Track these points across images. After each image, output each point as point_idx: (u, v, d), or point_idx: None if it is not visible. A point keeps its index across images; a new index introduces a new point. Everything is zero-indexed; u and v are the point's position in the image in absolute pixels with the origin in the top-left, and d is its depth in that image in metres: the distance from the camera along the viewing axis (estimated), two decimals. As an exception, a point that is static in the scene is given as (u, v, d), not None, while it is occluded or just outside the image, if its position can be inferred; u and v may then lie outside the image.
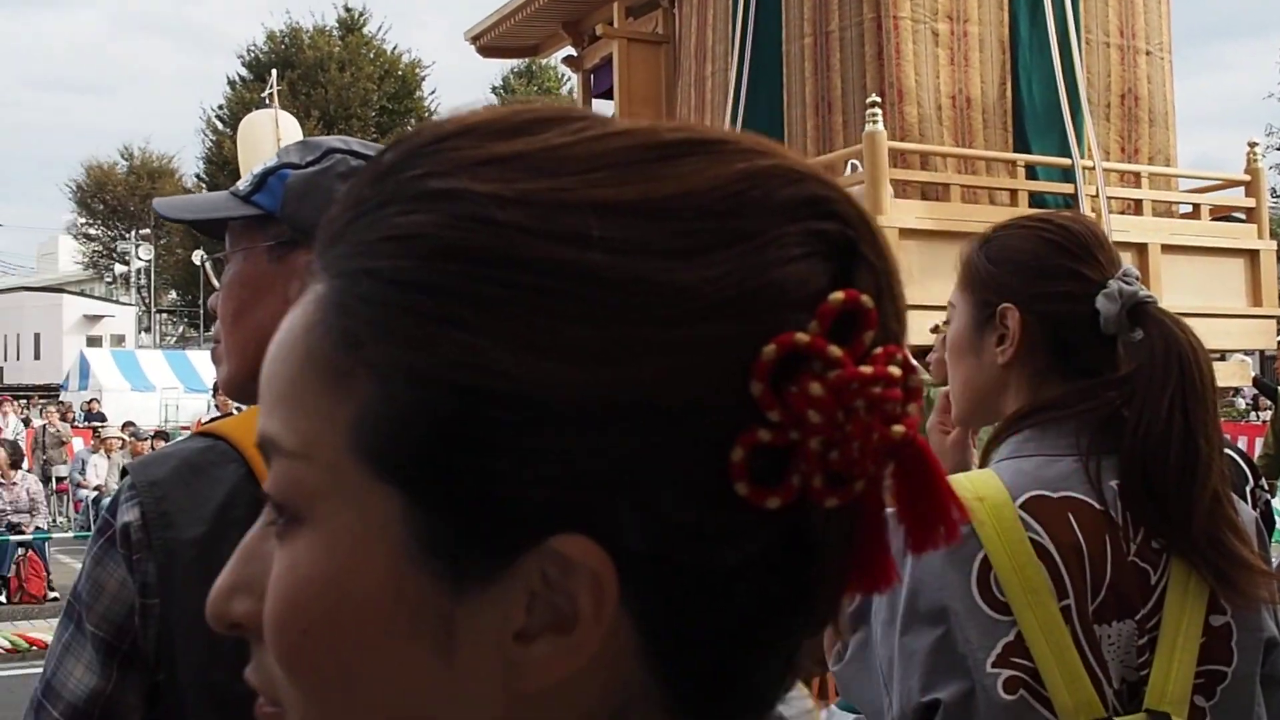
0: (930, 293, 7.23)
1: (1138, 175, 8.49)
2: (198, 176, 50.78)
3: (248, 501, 1.44)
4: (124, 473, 1.55)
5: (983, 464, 1.86)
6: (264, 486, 0.62)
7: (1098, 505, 1.69)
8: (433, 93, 52.04)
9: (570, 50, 11.18)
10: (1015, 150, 8.20)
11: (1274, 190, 33.14)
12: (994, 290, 1.84)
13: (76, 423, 26.65)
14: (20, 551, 14.65)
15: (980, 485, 1.71)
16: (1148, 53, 8.81)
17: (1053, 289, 1.79)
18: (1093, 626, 1.67)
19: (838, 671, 1.88)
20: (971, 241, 1.95)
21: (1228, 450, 2.19)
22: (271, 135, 12.46)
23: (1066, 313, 1.78)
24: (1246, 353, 9.39)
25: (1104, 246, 1.84)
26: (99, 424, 24.63)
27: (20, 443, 21.13)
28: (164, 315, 60.34)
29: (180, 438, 1.71)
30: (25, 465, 18.54)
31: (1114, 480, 1.71)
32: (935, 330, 6.56)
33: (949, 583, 1.66)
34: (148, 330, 58.96)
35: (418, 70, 50.10)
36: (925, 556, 1.58)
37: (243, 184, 1.72)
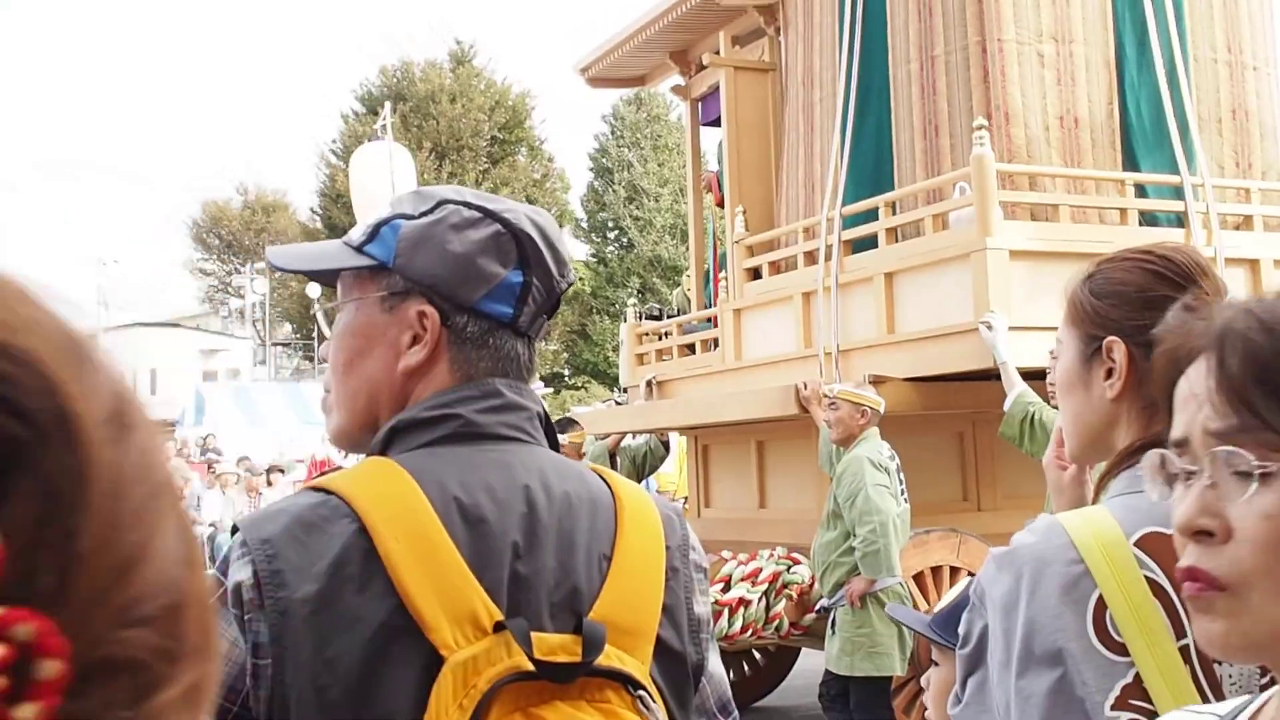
0: (1042, 313, 7.31)
1: (1248, 191, 8.45)
2: (312, 210, 51.53)
3: (360, 558, 1.47)
4: (234, 529, 1.55)
5: (1096, 500, 1.85)
6: None
7: None
8: (543, 122, 52.53)
9: (678, 79, 11.31)
10: (1124, 169, 8.19)
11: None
12: (1099, 324, 1.84)
13: (192, 458, 26.94)
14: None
15: (1094, 523, 1.70)
16: (1255, 68, 8.78)
17: (1158, 320, 1.73)
18: (1213, 666, 1.64)
19: (956, 715, 1.85)
20: (1075, 276, 1.95)
21: None
22: (385, 167, 12.71)
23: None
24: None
25: (1208, 275, 1.84)
26: (214, 459, 24.87)
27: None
28: (279, 349, 61.15)
29: (290, 493, 1.74)
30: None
31: None
32: (1055, 354, 6.59)
33: (1065, 624, 1.64)
34: (263, 364, 59.76)
35: (527, 101, 50.51)
36: (1040, 596, 1.65)
37: (356, 233, 1.74)
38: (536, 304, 1.70)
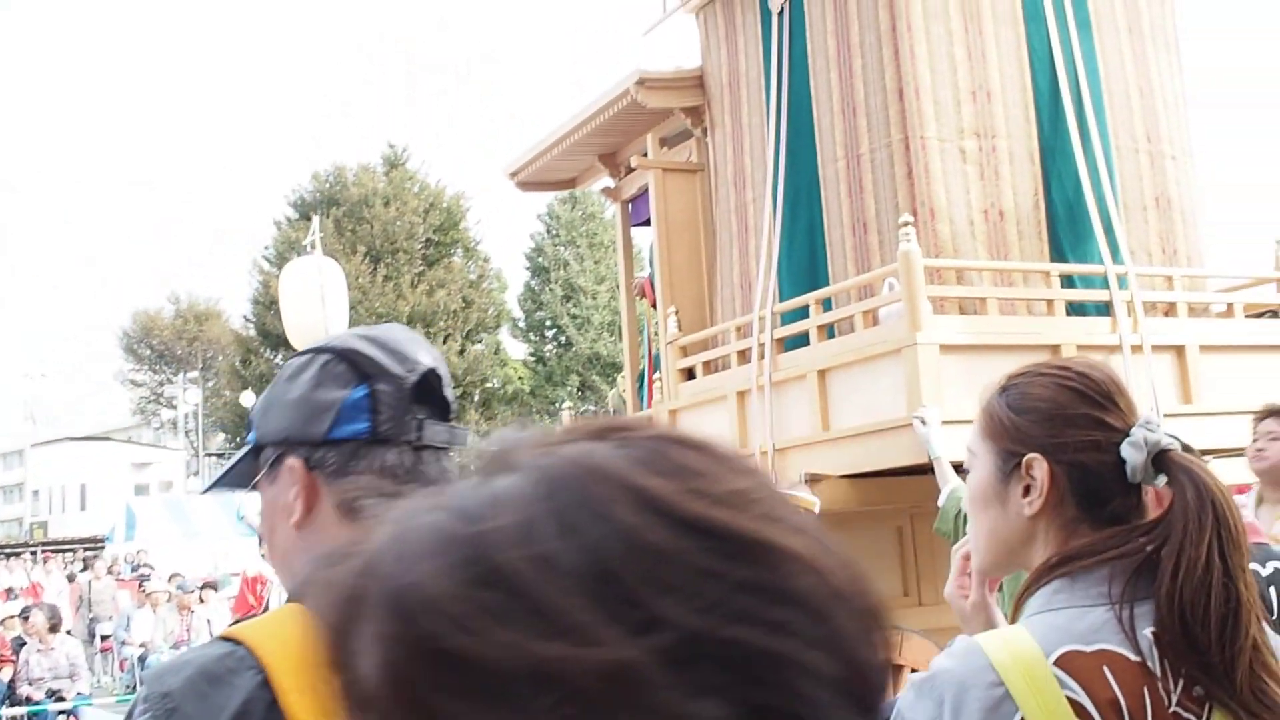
0: (973, 408, 7.32)
1: (1170, 278, 8.55)
2: (245, 318, 51.26)
3: (262, 711, 1.46)
4: (142, 681, 1.56)
5: (1014, 619, 1.84)
6: None
7: (1134, 656, 1.67)
8: (478, 223, 52.56)
9: (608, 181, 11.37)
10: (1052, 259, 8.27)
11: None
12: (1018, 440, 1.84)
13: (122, 575, 26.47)
14: (61, 719, 14.61)
15: (1013, 643, 1.70)
16: (1173, 157, 8.92)
17: (1079, 438, 1.79)
18: None
19: None
20: (988, 389, 1.96)
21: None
22: (315, 281, 12.67)
23: (1094, 461, 1.79)
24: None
25: (1123, 393, 1.86)
26: (145, 575, 24.45)
27: (64, 601, 21.00)
28: (212, 459, 60.58)
29: (200, 644, 1.73)
30: (68, 626, 18.33)
31: (1149, 628, 1.69)
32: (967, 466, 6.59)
33: None
34: (196, 474, 59.16)
35: (461, 202, 50.59)
36: (964, 717, 1.64)
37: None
38: (393, 408, 1.69)
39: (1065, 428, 1.80)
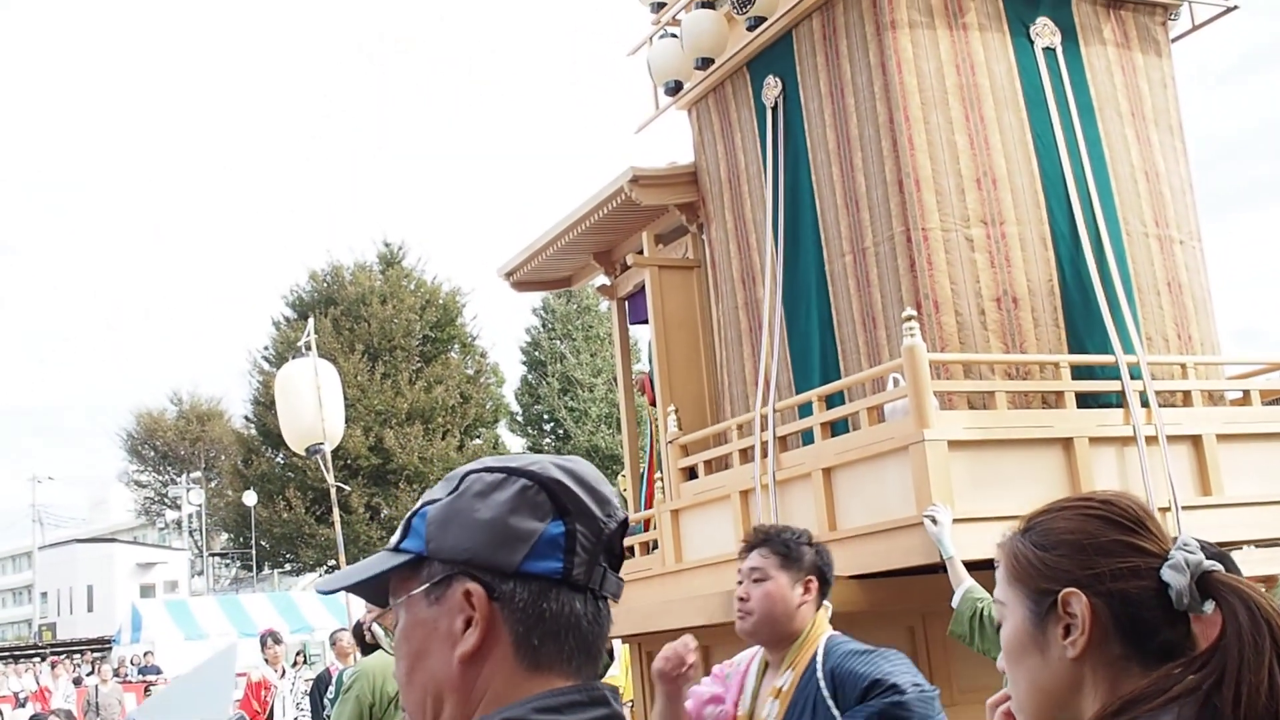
0: (984, 505, 7.13)
1: (1184, 366, 8.38)
2: (246, 418, 51.30)
3: None
4: None
5: None
6: None
7: None
8: (474, 318, 52.81)
9: (603, 279, 11.24)
10: (1069, 345, 8.10)
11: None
12: (1051, 577, 1.73)
13: (129, 678, 26.45)
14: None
15: None
16: (1181, 242, 8.77)
17: (1116, 565, 1.67)
18: None
19: None
20: (1005, 535, 1.86)
21: None
22: (311, 384, 12.54)
23: (1135, 589, 1.65)
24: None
25: (1152, 517, 1.74)
26: (152, 678, 24.41)
27: (71, 706, 20.92)
28: (216, 559, 60.36)
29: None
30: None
31: None
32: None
33: None
34: (200, 574, 59.02)
35: (458, 298, 50.82)
36: None
37: (395, 537, 1.65)
38: (588, 552, 1.57)
39: (1099, 556, 1.68)
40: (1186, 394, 8.31)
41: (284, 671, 16.07)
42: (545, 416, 49.91)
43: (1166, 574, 1.64)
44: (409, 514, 1.63)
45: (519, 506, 1.55)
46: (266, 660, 15.93)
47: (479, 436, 49.85)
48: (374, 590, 1.67)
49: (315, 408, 12.40)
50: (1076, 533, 1.72)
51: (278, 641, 15.05)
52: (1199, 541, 1.70)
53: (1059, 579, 1.71)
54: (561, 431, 48.99)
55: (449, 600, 1.54)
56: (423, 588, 1.56)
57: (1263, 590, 1.63)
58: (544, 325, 50.35)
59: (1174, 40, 9.30)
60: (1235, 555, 8.19)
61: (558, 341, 49.81)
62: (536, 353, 50.17)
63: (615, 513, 1.61)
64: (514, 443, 52.54)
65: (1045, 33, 8.59)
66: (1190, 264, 8.79)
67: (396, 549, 1.61)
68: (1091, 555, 1.69)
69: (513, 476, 1.58)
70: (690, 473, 9.28)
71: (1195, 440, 8.03)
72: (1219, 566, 1.65)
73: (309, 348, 12.88)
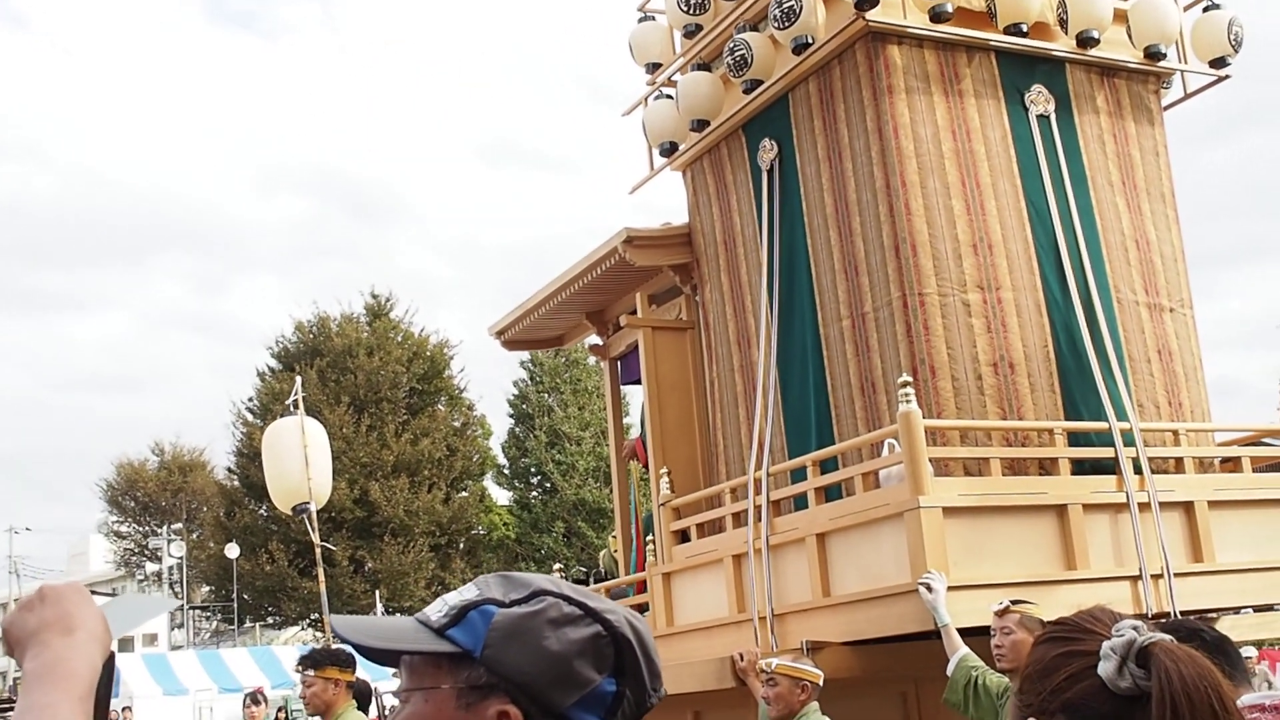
0: (979, 572, 7.13)
1: (1176, 433, 8.39)
2: (229, 469, 51.03)
3: None
4: None
5: None
6: None
7: None
8: (461, 370, 52.61)
9: (595, 338, 11.23)
10: (1065, 410, 8.11)
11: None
12: (1022, 716, 1.75)
13: (111, 733, 26.20)
14: None
15: None
16: (1171, 310, 8.81)
17: (1060, 680, 1.69)
18: None
19: None
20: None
21: None
22: (298, 443, 12.47)
23: (1079, 694, 1.67)
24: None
25: (1101, 620, 1.74)
26: (131, 736, 24.08)
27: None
28: (197, 611, 59.89)
29: None
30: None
31: None
32: (1002, 613, 6.36)
33: None
34: (180, 627, 58.52)
35: (445, 350, 50.69)
36: None
37: (434, 613, 1.58)
38: (626, 718, 1.54)
39: (1045, 679, 1.71)
40: (1179, 460, 8.33)
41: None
42: (532, 470, 49.76)
43: (1100, 667, 1.65)
44: (465, 602, 1.56)
45: (586, 651, 1.52)
46: (248, 720, 15.71)
47: (465, 489, 49.65)
48: (387, 651, 1.60)
49: (302, 466, 12.32)
50: (1031, 664, 1.76)
51: (257, 702, 14.83)
52: (1141, 620, 1.70)
53: (1025, 714, 1.74)
54: (549, 485, 48.85)
55: (481, 712, 1.50)
56: (459, 686, 1.51)
57: (1194, 653, 1.63)
58: (532, 378, 50.28)
59: (1166, 108, 9.37)
60: (1226, 621, 8.22)
61: (545, 395, 49.74)
62: (524, 406, 50.07)
63: (660, 689, 1.60)
64: (500, 495, 52.40)
65: (1040, 100, 8.64)
66: (1180, 331, 8.82)
67: (442, 633, 1.54)
68: (1039, 681, 1.72)
69: (589, 618, 1.55)
70: (683, 535, 9.24)
71: (1187, 507, 8.05)
72: (1162, 638, 1.65)
73: (297, 405, 12.81)
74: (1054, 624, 1.80)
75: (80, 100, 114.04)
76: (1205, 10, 9.23)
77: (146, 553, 61.51)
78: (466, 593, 1.58)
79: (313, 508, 12.71)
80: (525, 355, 50.11)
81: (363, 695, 8.73)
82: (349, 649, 6.43)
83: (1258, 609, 8.72)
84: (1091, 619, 1.75)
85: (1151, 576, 7.62)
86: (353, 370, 46.97)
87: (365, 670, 8.92)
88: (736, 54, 8.81)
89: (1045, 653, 1.74)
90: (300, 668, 7.51)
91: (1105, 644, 1.65)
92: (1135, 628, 1.67)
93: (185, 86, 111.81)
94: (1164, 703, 1.58)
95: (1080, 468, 7.93)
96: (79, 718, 1.37)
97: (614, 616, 1.56)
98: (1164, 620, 6.00)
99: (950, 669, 6.79)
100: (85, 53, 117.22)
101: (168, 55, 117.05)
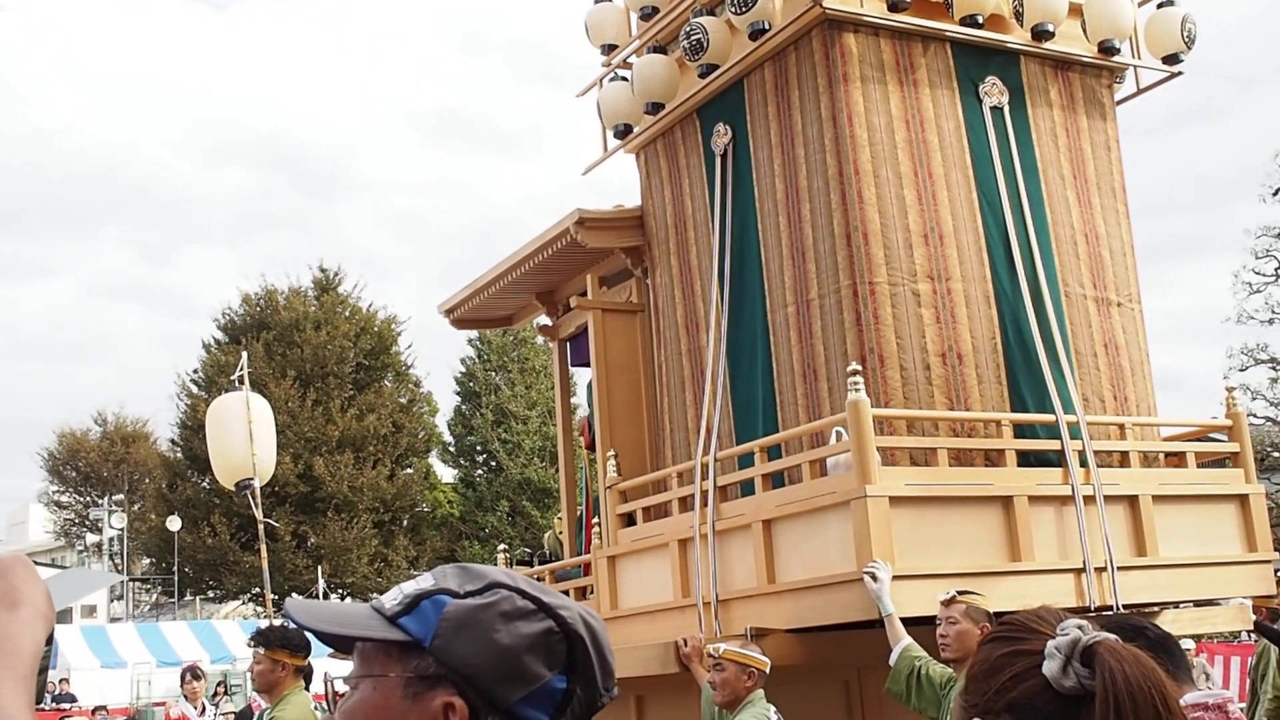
0: (924, 562, 7.15)
1: (1122, 427, 8.44)
2: (172, 441, 50.68)
3: None
4: None
5: None
6: None
7: None
8: (409, 347, 52.44)
9: (545, 319, 11.18)
10: (1012, 402, 8.13)
11: (1252, 414, 33.61)
12: (967, 716, 1.75)
13: (43, 706, 25.99)
14: None
15: None
16: (1119, 304, 8.84)
17: (1005, 680, 1.69)
18: None
19: None
20: None
21: None
22: (243, 419, 12.38)
23: (1024, 694, 1.67)
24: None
25: (1047, 620, 1.74)
26: (67, 707, 23.92)
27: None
28: (137, 584, 59.48)
29: None
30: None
31: None
32: (948, 603, 6.38)
33: None
34: (120, 599, 58.11)
35: (393, 326, 50.52)
36: None
37: (390, 602, 1.57)
38: (575, 717, 1.54)
39: (990, 679, 1.72)
40: (1124, 454, 8.38)
41: (204, 708, 15.80)
42: (478, 448, 49.68)
43: (1045, 666, 1.65)
44: (419, 591, 1.56)
45: (537, 647, 1.52)
46: (185, 696, 15.61)
47: (410, 466, 49.53)
48: (338, 637, 1.60)
49: (246, 443, 12.25)
50: (976, 664, 1.76)
51: (197, 677, 14.75)
52: (1086, 620, 1.70)
53: (970, 714, 1.74)
54: (494, 464, 48.81)
55: (427, 703, 1.49)
56: (406, 675, 1.51)
57: (1139, 652, 1.64)
58: (479, 356, 50.17)
59: (1119, 103, 9.40)
60: (1167, 615, 8.29)
61: (493, 373, 49.65)
62: (471, 384, 49.98)
63: (613, 688, 1.59)
64: (445, 473, 52.28)
65: (994, 92, 8.65)
66: (1127, 326, 8.86)
67: (394, 621, 1.54)
68: (984, 680, 1.72)
69: (542, 613, 1.54)
70: (628, 519, 9.22)
71: (1132, 501, 8.10)
72: (1107, 637, 1.65)
73: (242, 381, 12.73)
74: (1000, 624, 1.80)
75: (22, 64, 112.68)
76: (1159, 7, 9.26)
77: (87, 523, 61.00)
78: (423, 582, 1.57)
79: (256, 484, 12.63)
80: (474, 333, 50.00)
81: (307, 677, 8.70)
82: (306, 633, 6.40)
83: (1198, 603, 8.81)
84: (1037, 618, 1.74)
85: (1095, 569, 7.66)
86: (299, 344, 46.76)
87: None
88: (692, 37, 8.77)
89: (990, 652, 1.74)
90: (251, 643, 7.48)
91: (1050, 643, 1.65)
92: (1080, 627, 1.66)
93: (133, 53, 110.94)
94: (1107, 702, 1.58)
95: (1026, 460, 7.96)
96: (21, 697, 1.33)
97: (568, 613, 1.56)
98: (1108, 616, 6.06)
99: (893, 659, 6.81)
100: (29, 14, 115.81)
101: (116, 21, 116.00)
